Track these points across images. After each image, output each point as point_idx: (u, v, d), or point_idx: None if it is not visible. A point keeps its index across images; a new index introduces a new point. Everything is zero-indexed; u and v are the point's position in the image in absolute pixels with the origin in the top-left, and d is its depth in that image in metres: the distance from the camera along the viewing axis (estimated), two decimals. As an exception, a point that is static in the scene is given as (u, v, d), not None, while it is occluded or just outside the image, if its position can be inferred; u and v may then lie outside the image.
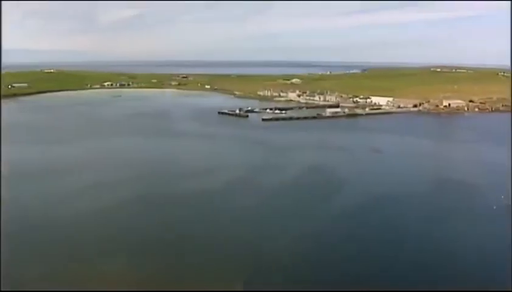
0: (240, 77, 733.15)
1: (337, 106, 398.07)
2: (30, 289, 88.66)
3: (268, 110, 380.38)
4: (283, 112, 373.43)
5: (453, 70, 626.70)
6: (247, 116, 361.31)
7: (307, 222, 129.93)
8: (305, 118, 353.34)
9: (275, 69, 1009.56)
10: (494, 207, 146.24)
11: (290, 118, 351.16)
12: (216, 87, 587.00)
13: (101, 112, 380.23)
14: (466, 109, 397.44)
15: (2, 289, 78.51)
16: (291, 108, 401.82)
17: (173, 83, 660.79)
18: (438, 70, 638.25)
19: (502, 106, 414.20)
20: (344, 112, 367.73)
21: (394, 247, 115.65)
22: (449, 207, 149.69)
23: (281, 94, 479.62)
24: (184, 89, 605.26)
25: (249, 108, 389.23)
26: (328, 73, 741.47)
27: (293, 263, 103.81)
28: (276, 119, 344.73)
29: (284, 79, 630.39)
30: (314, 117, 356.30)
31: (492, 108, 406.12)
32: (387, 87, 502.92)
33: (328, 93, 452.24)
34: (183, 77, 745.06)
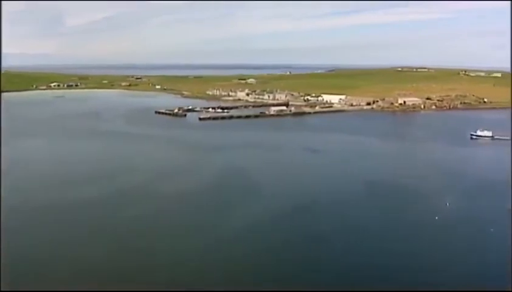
0: (197, 78, 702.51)
1: (286, 105, 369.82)
2: (29, 289, 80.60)
3: (210, 109, 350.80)
4: (225, 111, 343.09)
5: (415, 70, 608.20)
6: (185, 115, 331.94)
7: (199, 235, 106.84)
8: (247, 117, 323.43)
9: (241, 71, 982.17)
10: (436, 218, 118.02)
11: (231, 117, 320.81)
12: (165, 88, 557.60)
13: (33, 113, 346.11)
14: (422, 107, 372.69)
15: (2, 290, 74.18)
16: (236, 107, 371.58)
17: (123, 84, 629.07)
18: (400, 69, 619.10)
19: (460, 103, 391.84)
20: (290, 111, 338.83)
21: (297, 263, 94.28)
22: (373, 218, 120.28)
23: (230, 93, 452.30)
24: (133, 90, 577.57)
25: (190, 107, 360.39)
26: (288, 73, 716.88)
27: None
28: (215, 118, 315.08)
29: (239, 80, 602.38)
30: (257, 116, 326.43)
31: (450, 106, 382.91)
32: (345, 86, 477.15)
33: (278, 91, 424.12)
34: (137, 78, 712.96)
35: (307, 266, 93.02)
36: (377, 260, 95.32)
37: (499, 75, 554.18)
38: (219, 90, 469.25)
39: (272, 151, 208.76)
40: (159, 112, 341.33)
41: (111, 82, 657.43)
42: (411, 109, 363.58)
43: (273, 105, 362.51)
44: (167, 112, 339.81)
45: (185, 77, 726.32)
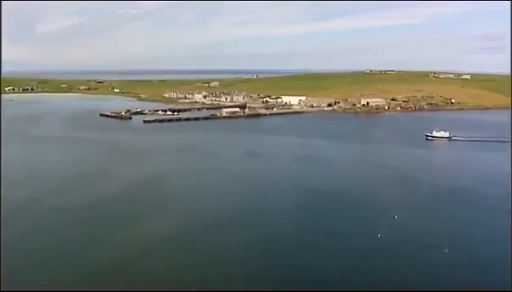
0: (162, 82, 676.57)
1: (243, 107, 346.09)
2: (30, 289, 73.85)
3: (160, 111, 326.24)
4: (175, 113, 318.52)
5: (384, 72, 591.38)
6: (130, 118, 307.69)
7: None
8: (196, 119, 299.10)
9: (214, 76, 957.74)
10: (379, 235, 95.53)
11: (178, 120, 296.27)
12: (123, 91, 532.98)
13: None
14: (386, 108, 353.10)
15: (2, 290, 70.21)
16: (189, 109, 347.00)
17: (82, 88, 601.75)
18: (368, 72, 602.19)
19: (427, 104, 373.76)
20: (244, 113, 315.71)
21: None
22: (295, 239, 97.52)
23: (188, 96, 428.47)
24: (91, 94, 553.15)
25: (138, 110, 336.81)
26: (255, 76, 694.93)
27: None
28: (160, 121, 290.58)
29: (203, 83, 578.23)
30: (207, 118, 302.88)
31: (415, 107, 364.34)
32: (311, 87, 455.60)
33: (236, 93, 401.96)
34: (99, 82, 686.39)
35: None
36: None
37: (468, 77, 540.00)
38: (176, 93, 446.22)
39: (207, 156, 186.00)
40: (104, 115, 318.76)
41: (70, 86, 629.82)
42: (375, 110, 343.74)
43: (229, 107, 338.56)
44: (112, 114, 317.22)
45: (150, 81, 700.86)
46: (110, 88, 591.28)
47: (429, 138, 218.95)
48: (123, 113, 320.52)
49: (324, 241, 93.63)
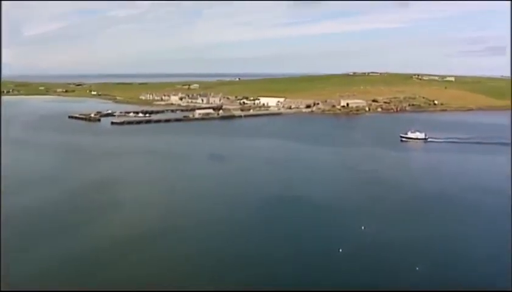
0: (142, 85, 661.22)
1: (219, 108, 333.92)
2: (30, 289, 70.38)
3: (131, 113, 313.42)
4: (146, 115, 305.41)
5: (367, 74, 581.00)
6: (99, 120, 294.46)
7: None
8: (167, 121, 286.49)
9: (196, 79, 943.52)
10: (340, 250, 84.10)
11: (148, 122, 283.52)
12: (100, 94, 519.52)
13: None
14: (367, 109, 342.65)
15: (2, 290, 68.29)
16: (162, 111, 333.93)
17: (59, 90, 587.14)
18: (352, 74, 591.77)
19: (409, 105, 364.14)
20: (218, 114, 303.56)
21: None
22: (248, 252, 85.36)
23: (164, 98, 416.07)
24: (68, 96, 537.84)
25: (109, 112, 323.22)
26: (237, 79, 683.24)
27: None
28: (129, 123, 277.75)
29: (183, 85, 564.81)
30: (179, 120, 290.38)
31: (397, 108, 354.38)
32: (292, 89, 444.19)
33: (212, 95, 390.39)
34: (78, 85, 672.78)
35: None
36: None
37: (452, 79, 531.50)
38: (152, 95, 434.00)
39: (165, 159, 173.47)
40: (73, 117, 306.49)
41: (47, 89, 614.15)
42: (355, 112, 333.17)
43: (203, 108, 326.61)
44: (81, 117, 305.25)
45: (130, 84, 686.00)
46: (88, 91, 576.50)
47: (404, 139, 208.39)
48: (92, 115, 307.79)
49: (269, 264, 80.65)
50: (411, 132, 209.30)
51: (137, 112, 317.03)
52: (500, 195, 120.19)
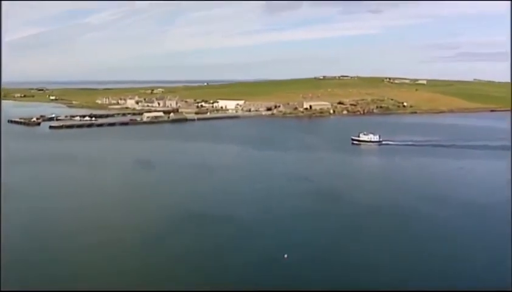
0: (106, 90, 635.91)
1: (172, 111, 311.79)
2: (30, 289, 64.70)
3: (77, 117, 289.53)
4: (93, 119, 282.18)
5: (337, 78, 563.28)
6: (39, 124, 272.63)
7: None
8: (111, 124, 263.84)
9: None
10: None
11: (90, 125, 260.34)
12: (57, 98, 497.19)
13: None
14: (331, 111, 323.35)
15: (2, 290, 64.72)
16: (112, 115, 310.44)
17: (17, 95, 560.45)
18: (321, 78, 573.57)
19: (376, 108, 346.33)
20: (168, 117, 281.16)
21: None
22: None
23: (120, 102, 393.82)
24: (25, 101, 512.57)
25: (53, 115, 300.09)
26: (205, 84, 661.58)
27: None
28: (69, 127, 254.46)
29: (146, 90, 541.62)
30: (125, 123, 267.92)
31: (364, 110, 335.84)
32: (255, 93, 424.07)
33: (168, 98, 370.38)
34: (39, 90, 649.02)
35: None
36: None
37: (424, 82, 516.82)
38: (108, 98, 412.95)
39: (87, 165, 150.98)
40: (12, 121, 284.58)
41: (5, 94, 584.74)
42: (319, 114, 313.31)
43: (155, 111, 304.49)
44: (21, 121, 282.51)
45: (94, 90, 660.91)
46: (48, 96, 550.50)
47: (355, 142, 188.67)
48: (34, 119, 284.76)
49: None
50: (364, 134, 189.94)
51: (84, 116, 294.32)
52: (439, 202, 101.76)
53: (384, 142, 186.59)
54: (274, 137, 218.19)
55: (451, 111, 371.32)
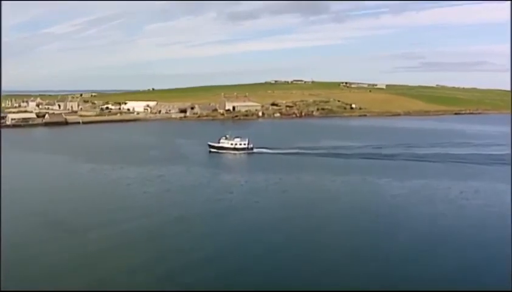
0: (40, 96, 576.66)
1: (73, 113, 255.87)
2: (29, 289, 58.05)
3: None
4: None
5: (290, 82, 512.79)
6: None
7: None
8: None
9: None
10: None
11: None
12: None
13: None
14: (260, 114, 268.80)
15: (2, 290, 60.01)
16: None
17: None
18: (273, 82, 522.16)
19: (317, 110, 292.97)
20: (42, 120, 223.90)
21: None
22: None
23: (22, 104, 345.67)
24: None
25: None
26: (151, 89, 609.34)
27: None
28: None
29: (80, 96, 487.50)
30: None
31: (302, 113, 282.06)
32: (194, 96, 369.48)
33: (70, 100, 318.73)
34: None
35: None
36: None
37: (383, 87, 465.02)
38: (11, 101, 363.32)
39: None
40: None
41: None
42: (243, 117, 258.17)
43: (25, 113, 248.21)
44: None
45: (26, 96, 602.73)
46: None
47: (213, 150, 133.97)
48: None
49: None
50: (226, 138, 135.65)
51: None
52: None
53: (255, 150, 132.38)
54: (124, 145, 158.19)
55: (408, 114, 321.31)
